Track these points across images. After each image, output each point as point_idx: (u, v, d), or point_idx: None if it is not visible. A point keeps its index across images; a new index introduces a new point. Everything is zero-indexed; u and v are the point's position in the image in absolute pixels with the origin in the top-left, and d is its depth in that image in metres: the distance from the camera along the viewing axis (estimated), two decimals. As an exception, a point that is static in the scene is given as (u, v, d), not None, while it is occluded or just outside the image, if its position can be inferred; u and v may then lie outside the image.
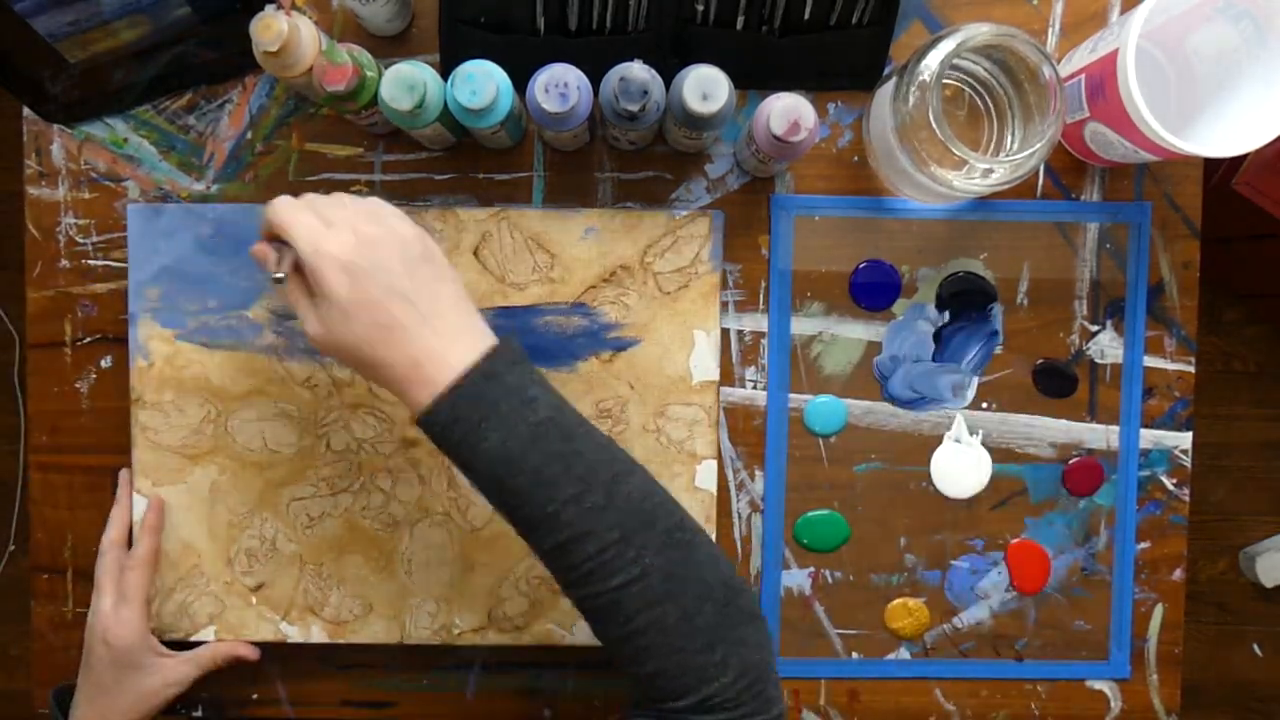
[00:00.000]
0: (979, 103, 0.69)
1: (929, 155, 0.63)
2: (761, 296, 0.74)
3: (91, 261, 0.73)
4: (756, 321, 0.74)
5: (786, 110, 0.62)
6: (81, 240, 0.73)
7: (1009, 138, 0.68)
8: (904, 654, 0.75)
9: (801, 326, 0.74)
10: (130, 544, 0.71)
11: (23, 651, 1.58)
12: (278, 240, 0.58)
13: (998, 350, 0.74)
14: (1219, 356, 1.62)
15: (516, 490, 0.53)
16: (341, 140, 0.73)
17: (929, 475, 0.75)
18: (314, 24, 0.62)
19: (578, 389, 0.72)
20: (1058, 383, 0.75)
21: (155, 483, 0.71)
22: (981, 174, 0.63)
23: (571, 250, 0.71)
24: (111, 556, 0.70)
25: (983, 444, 0.75)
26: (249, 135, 0.73)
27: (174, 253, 0.71)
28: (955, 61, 0.63)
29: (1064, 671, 0.76)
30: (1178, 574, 0.76)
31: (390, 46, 0.72)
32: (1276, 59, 0.62)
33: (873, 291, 0.74)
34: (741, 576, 0.55)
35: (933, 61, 0.62)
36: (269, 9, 0.59)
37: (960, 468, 0.75)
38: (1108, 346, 0.75)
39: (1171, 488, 0.76)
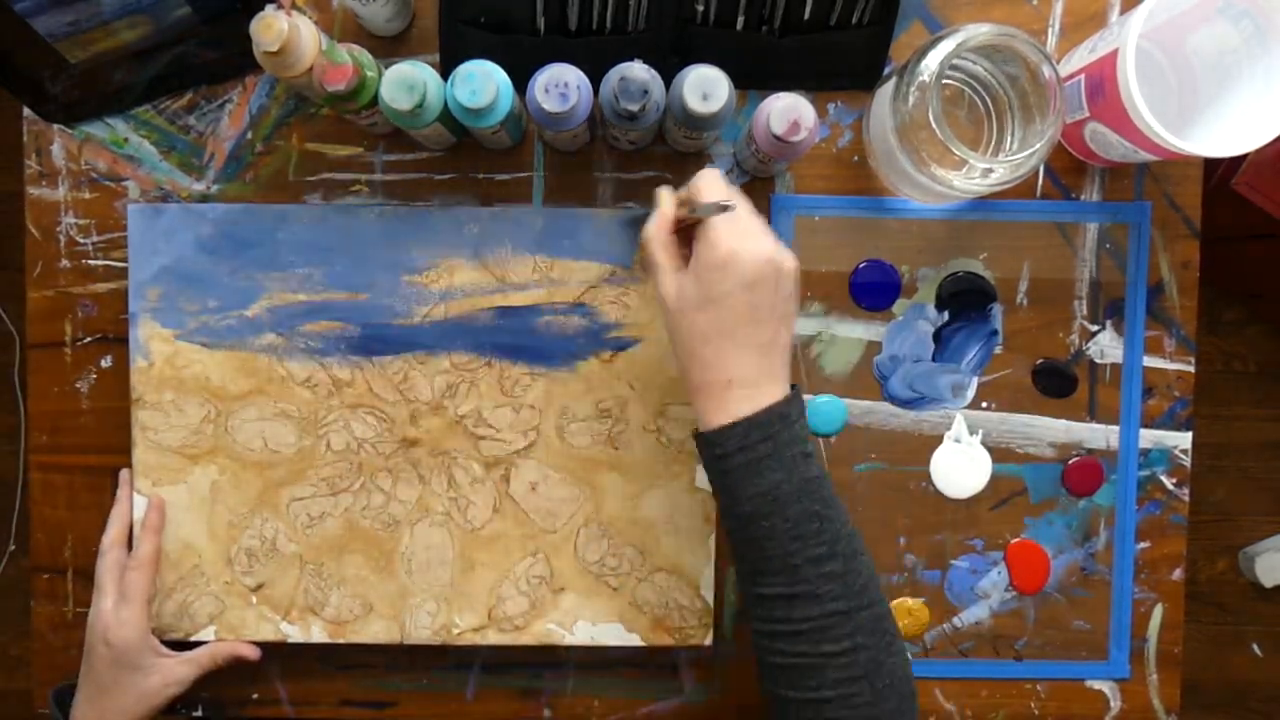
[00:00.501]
0: (979, 103, 0.69)
1: (929, 155, 0.63)
2: (761, 296, 0.74)
3: (91, 261, 0.73)
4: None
5: (786, 110, 0.62)
6: (81, 240, 0.73)
7: (1009, 138, 0.68)
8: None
9: (801, 326, 0.74)
10: (130, 544, 0.71)
11: (23, 651, 1.58)
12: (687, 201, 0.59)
13: (997, 350, 0.74)
14: (1219, 356, 1.62)
15: (770, 532, 0.55)
16: (341, 140, 0.73)
17: (929, 475, 0.75)
18: (314, 24, 0.61)
19: (578, 389, 0.72)
20: (1057, 383, 0.75)
21: (155, 483, 0.71)
22: (981, 174, 0.63)
23: (572, 250, 0.71)
24: (112, 556, 0.70)
25: (983, 444, 0.75)
26: (249, 135, 0.73)
27: (174, 253, 0.71)
28: (955, 61, 0.63)
29: (1064, 671, 0.76)
30: (1177, 574, 0.76)
31: (390, 46, 0.72)
32: (1276, 59, 0.62)
33: (873, 291, 0.74)
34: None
35: (933, 61, 0.62)
36: (269, 9, 0.59)
37: (960, 468, 0.75)
38: (1107, 346, 0.75)
39: (1171, 488, 0.76)
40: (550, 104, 0.61)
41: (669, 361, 0.72)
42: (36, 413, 0.74)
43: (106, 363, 0.74)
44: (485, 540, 0.72)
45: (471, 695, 0.75)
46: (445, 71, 0.66)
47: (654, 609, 0.72)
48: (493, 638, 0.72)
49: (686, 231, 0.59)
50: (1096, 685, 0.76)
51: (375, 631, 0.72)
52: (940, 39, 0.62)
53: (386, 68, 0.62)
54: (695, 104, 0.61)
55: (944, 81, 0.65)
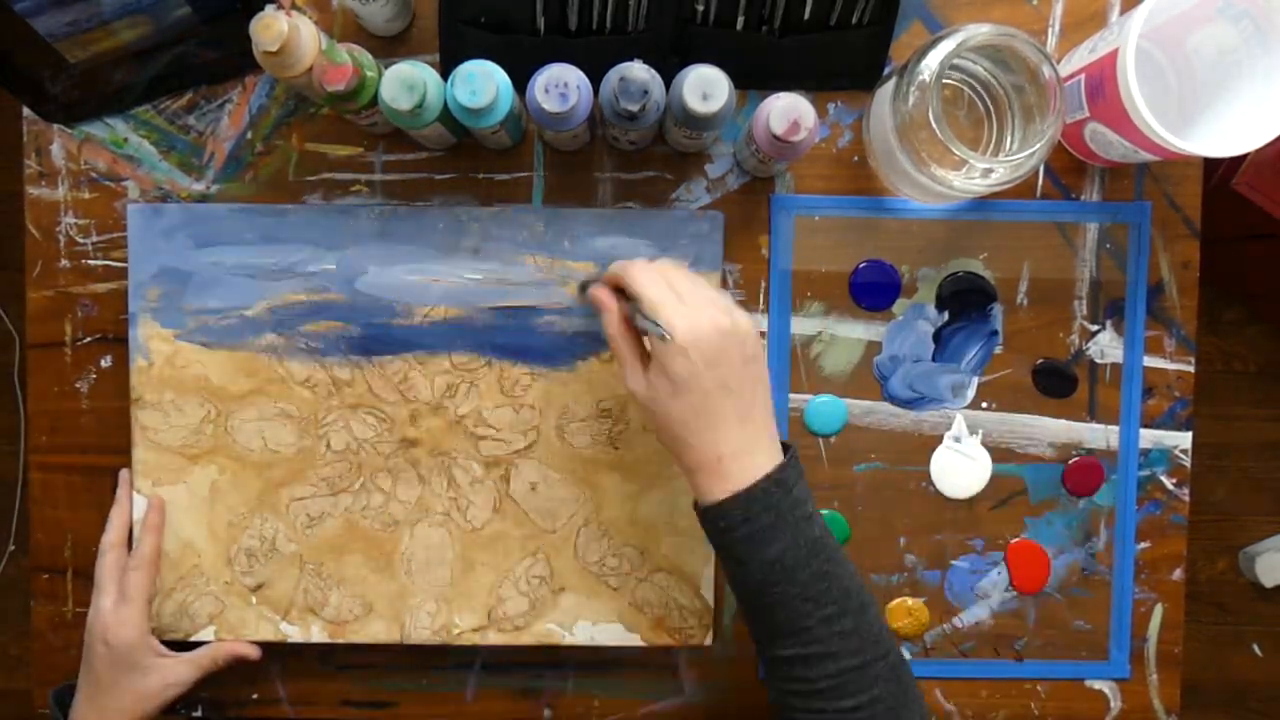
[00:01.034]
0: (979, 103, 0.69)
1: (929, 155, 0.63)
2: (761, 296, 0.74)
3: (91, 261, 0.73)
4: (756, 321, 0.74)
5: (786, 110, 0.62)
6: (81, 240, 0.73)
7: (1009, 138, 0.68)
8: (904, 654, 0.75)
9: (801, 326, 0.74)
10: (130, 544, 0.71)
11: (23, 651, 1.58)
12: (618, 291, 0.61)
13: (998, 350, 0.74)
14: (1219, 356, 1.62)
15: (781, 598, 0.56)
16: (341, 140, 0.73)
17: (929, 475, 0.75)
18: (314, 24, 0.61)
19: (578, 389, 0.72)
20: (1058, 383, 0.75)
21: (155, 483, 0.71)
22: (981, 174, 0.63)
23: (571, 251, 0.71)
24: (112, 557, 0.70)
25: (983, 444, 0.75)
26: (249, 135, 0.73)
27: (174, 252, 0.71)
28: (955, 61, 0.63)
29: (1064, 671, 0.76)
30: (1177, 574, 0.76)
31: (390, 46, 0.72)
32: (1276, 59, 0.62)
33: (873, 291, 0.74)
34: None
35: (933, 61, 0.62)
36: (269, 9, 0.59)
37: (960, 468, 0.75)
38: (1107, 346, 0.75)
39: (1171, 488, 0.76)
40: (550, 104, 0.61)
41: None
42: (36, 413, 0.74)
43: (106, 363, 0.74)
44: (485, 540, 0.72)
45: (471, 695, 0.75)
46: (445, 71, 0.66)
47: (654, 609, 0.72)
48: (493, 638, 0.72)
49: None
50: (1096, 685, 0.76)
51: (375, 631, 0.72)
52: (940, 39, 0.62)
53: (386, 68, 0.62)
54: (695, 104, 0.61)
55: (944, 81, 0.65)
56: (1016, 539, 0.75)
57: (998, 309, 0.74)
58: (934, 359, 0.74)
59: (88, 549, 0.74)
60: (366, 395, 0.72)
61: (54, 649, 0.75)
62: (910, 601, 0.75)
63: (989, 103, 0.69)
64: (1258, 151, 0.96)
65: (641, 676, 0.75)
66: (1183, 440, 0.76)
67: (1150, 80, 0.69)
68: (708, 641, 0.72)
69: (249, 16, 0.59)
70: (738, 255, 0.74)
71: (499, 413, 0.72)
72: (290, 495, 0.72)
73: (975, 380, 0.75)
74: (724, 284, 0.73)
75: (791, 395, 0.74)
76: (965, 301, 0.74)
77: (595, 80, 0.63)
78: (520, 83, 0.63)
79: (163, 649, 0.70)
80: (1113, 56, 0.61)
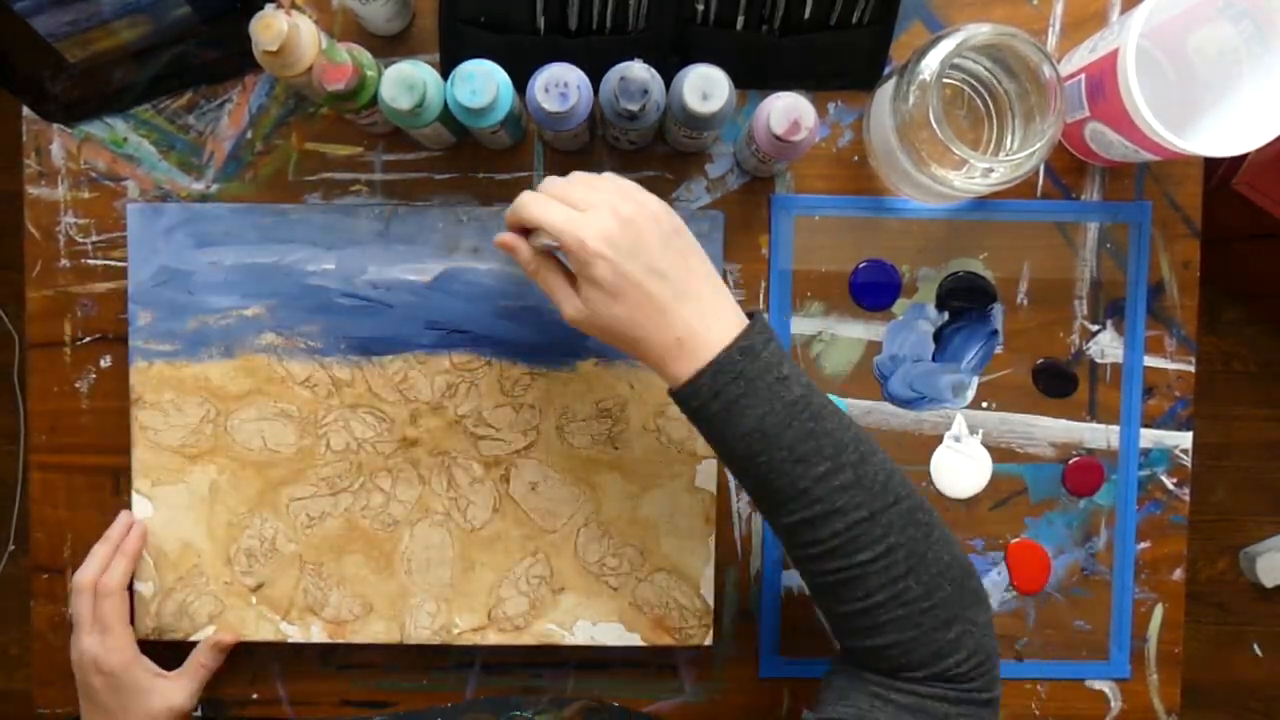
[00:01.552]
0: (979, 103, 0.69)
1: (929, 155, 0.63)
2: (761, 296, 0.74)
3: (91, 261, 0.73)
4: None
5: (786, 110, 0.62)
6: (81, 240, 0.73)
7: (1009, 138, 0.68)
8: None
9: (801, 326, 0.74)
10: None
11: (23, 651, 1.58)
12: (523, 230, 0.59)
13: (998, 350, 0.74)
14: (1219, 356, 1.62)
15: (769, 465, 0.54)
16: (341, 140, 0.73)
17: (929, 475, 0.75)
18: (314, 24, 0.61)
19: (578, 389, 0.72)
20: (1058, 383, 0.75)
21: (155, 483, 0.71)
22: (981, 174, 0.63)
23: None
24: (88, 595, 0.69)
25: (983, 444, 0.75)
26: (249, 135, 0.73)
27: (174, 252, 0.71)
28: (955, 61, 0.63)
29: (1064, 671, 0.76)
30: (1178, 574, 0.76)
31: (390, 46, 0.72)
32: (1276, 59, 0.62)
33: (873, 291, 0.74)
34: (970, 557, 0.58)
35: (933, 61, 0.62)
36: (269, 8, 0.59)
37: (960, 467, 0.75)
38: (1108, 346, 0.75)
39: (1171, 488, 0.76)
40: (550, 104, 0.61)
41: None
42: (36, 413, 0.74)
43: (106, 363, 0.74)
44: (485, 540, 0.72)
45: (471, 695, 0.75)
46: (445, 71, 0.66)
47: (654, 609, 0.72)
48: (493, 638, 0.72)
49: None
50: (1097, 685, 0.76)
51: (375, 631, 0.72)
52: (940, 39, 0.62)
53: (386, 68, 0.62)
54: (695, 104, 0.61)
55: (944, 81, 0.65)
56: (1016, 539, 0.75)
57: (998, 309, 0.74)
58: (934, 359, 0.74)
59: (88, 549, 0.74)
60: (366, 395, 0.72)
61: (54, 649, 0.75)
62: (910, 601, 0.75)
63: (989, 103, 0.69)
64: (1258, 151, 0.96)
65: (641, 676, 0.75)
66: (1183, 440, 0.76)
67: (1150, 80, 0.69)
68: (708, 641, 0.72)
69: (249, 16, 0.59)
70: (738, 255, 0.74)
71: (499, 412, 0.72)
72: (290, 495, 0.72)
73: (975, 380, 0.75)
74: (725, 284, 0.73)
75: (791, 395, 0.74)
76: (965, 301, 0.74)
77: (595, 80, 0.63)
78: (520, 83, 0.63)
79: (156, 668, 0.70)
80: (1113, 56, 0.61)
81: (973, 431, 0.75)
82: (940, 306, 0.74)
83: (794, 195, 0.74)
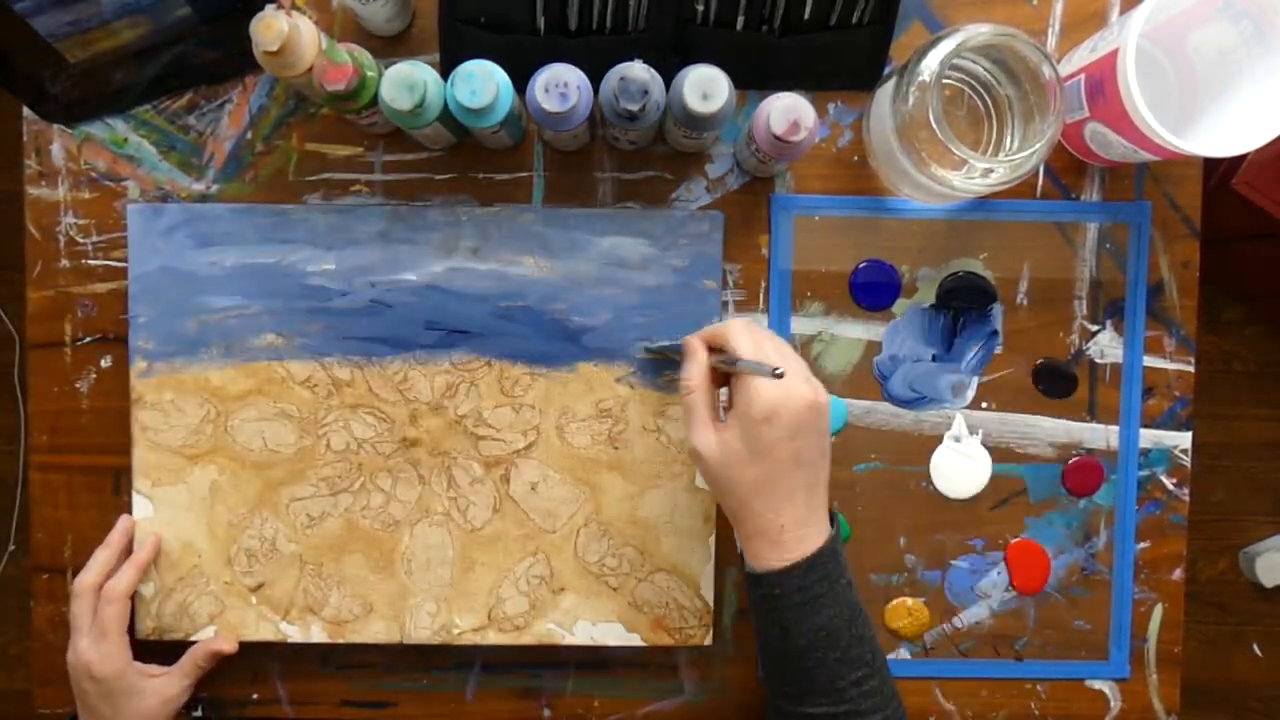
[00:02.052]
0: (979, 103, 0.69)
1: (929, 155, 0.63)
2: (761, 296, 0.74)
3: (91, 261, 0.73)
4: (757, 321, 0.74)
5: (786, 110, 0.62)
6: (81, 240, 0.73)
7: (1009, 138, 0.68)
8: (904, 654, 0.75)
9: (801, 326, 0.74)
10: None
11: (23, 651, 1.58)
12: (713, 349, 0.62)
13: (997, 350, 0.74)
14: (1219, 356, 1.62)
15: (819, 661, 0.58)
16: (341, 140, 0.73)
17: (929, 475, 0.75)
18: (314, 24, 0.61)
19: (578, 389, 0.72)
20: (1057, 383, 0.75)
21: (155, 483, 0.71)
22: (981, 174, 0.63)
23: (571, 250, 0.71)
24: (88, 599, 0.68)
25: (983, 444, 0.75)
26: (249, 135, 0.73)
27: (174, 253, 0.71)
28: (955, 61, 0.63)
29: (1064, 671, 0.76)
30: (1177, 574, 0.76)
31: (390, 46, 0.72)
32: (1276, 59, 0.62)
33: (873, 291, 0.74)
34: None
35: (933, 61, 0.62)
36: (269, 9, 0.59)
37: (960, 468, 0.75)
38: (1107, 346, 0.75)
39: (1171, 488, 0.76)
40: (550, 104, 0.61)
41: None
42: (36, 413, 0.74)
43: (106, 363, 0.74)
44: (485, 540, 0.72)
45: (471, 695, 0.75)
46: (445, 71, 0.66)
47: (654, 609, 0.72)
48: (493, 638, 0.72)
49: (714, 375, 0.61)
50: (1096, 685, 0.76)
51: (375, 631, 0.72)
52: (940, 39, 0.62)
53: (386, 68, 0.62)
54: (695, 104, 0.61)
55: (944, 81, 0.65)
56: (1016, 539, 0.75)
57: (998, 309, 0.74)
58: (934, 359, 0.74)
59: (88, 549, 0.74)
60: (366, 395, 0.72)
61: (54, 649, 0.75)
62: (910, 601, 0.75)
63: (989, 103, 0.69)
64: (1258, 151, 0.96)
65: (641, 676, 0.75)
66: (1183, 440, 0.75)
67: (1150, 80, 0.68)
68: (708, 641, 0.72)
69: (249, 16, 0.59)
70: (738, 255, 0.74)
71: (499, 413, 0.72)
72: (290, 495, 0.72)
73: (975, 380, 0.75)
74: (724, 284, 0.73)
75: (791, 395, 0.74)
76: (965, 301, 0.74)
77: (595, 80, 0.63)
78: (520, 83, 0.63)
79: (149, 668, 0.70)
80: (1113, 56, 0.61)
81: (973, 431, 0.75)
82: (940, 306, 0.74)
83: (794, 195, 0.74)
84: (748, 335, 0.59)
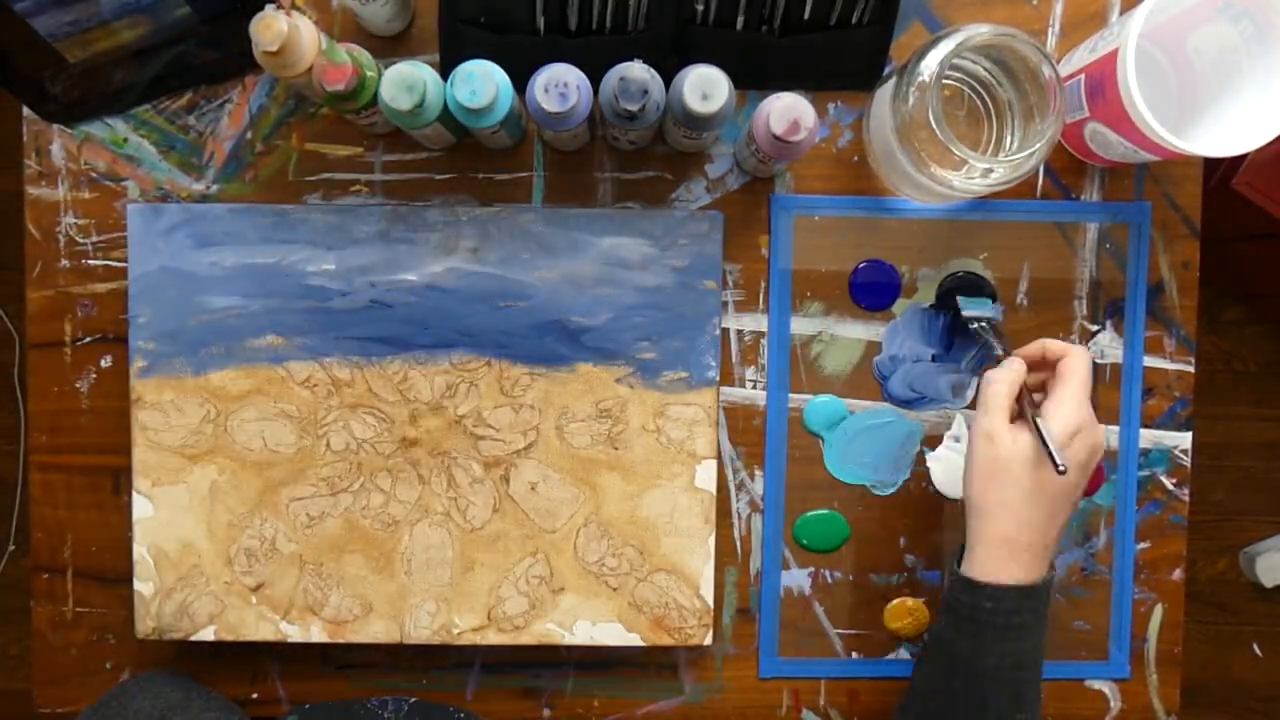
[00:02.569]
0: (979, 103, 0.69)
1: (929, 155, 0.63)
2: (761, 296, 0.74)
3: (91, 261, 0.73)
4: (756, 321, 0.74)
5: (786, 110, 0.62)
6: (81, 240, 0.73)
7: (1009, 138, 0.68)
8: (904, 654, 0.75)
9: (801, 326, 0.74)
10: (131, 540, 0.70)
11: (23, 651, 1.58)
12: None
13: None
14: (1219, 356, 1.61)
15: (998, 689, 0.59)
16: (341, 140, 0.73)
17: (929, 475, 0.75)
18: (314, 24, 0.61)
19: (577, 389, 0.72)
20: (1058, 383, 0.74)
21: (155, 483, 0.71)
22: (981, 174, 0.63)
23: (571, 250, 0.71)
24: None
25: (983, 444, 0.75)
26: (249, 135, 0.73)
27: (174, 253, 0.71)
28: (955, 61, 0.63)
29: (1064, 671, 0.76)
30: (1177, 574, 0.76)
31: (390, 46, 0.72)
32: (1276, 59, 0.62)
33: (873, 291, 0.74)
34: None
35: (933, 61, 0.62)
36: (269, 9, 0.59)
37: (960, 468, 0.74)
38: (1107, 346, 0.75)
39: (1171, 488, 0.76)
40: (550, 104, 0.61)
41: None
42: (36, 413, 0.74)
43: (106, 363, 0.74)
44: (485, 540, 0.72)
45: (471, 695, 0.75)
46: (445, 71, 0.66)
47: (654, 609, 0.72)
48: (493, 638, 0.72)
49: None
50: (1096, 685, 0.76)
51: (375, 631, 0.72)
52: (940, 39, 0.62)
53: (386, 68, 0.62)
54: (695, 104, 0.61)
55: (944, 81, 0.65)
56: (1016, 539, 0.75)
57: (998, 309, 0.74)
58: (934, 359, 0.74)
59: (88, 549, 0.74)
60: (366, 395, 0.72)
61: (54, 649, 0.75)
62: (910, 601, 0.75)
63: (989, 103, 0.69)
64: (1258, 151, 0.96)
65: (641, 676, 0.75)
66: (1183, 440, 0.75)
67: (1150, 80, 0.68)
68: (708, 641, 0.72)
69: (249, 16, 0.59)
70: (738, 255, 0.74)
71: (499, 413, 0.72)
72: (290, 495, 0.72)
73: (975, 380, 0.75)
74: (724, 284, 0.73)
75: (791, 395, 0.74)
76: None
77: (595, 80, 0.63)
78: (520, 83, 0.63)
79: None
80: (1113, 56, 0.61)
81: (973, 431, 0.75)
82: (940, 306, 0.74)
83: (794, 195, 0.74)
84: (1086, 372, 0.61)
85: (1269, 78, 0.63)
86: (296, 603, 0.72)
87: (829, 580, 0.75)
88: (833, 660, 0.75)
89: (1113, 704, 0.76)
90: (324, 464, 0.72)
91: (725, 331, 0.74)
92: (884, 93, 0.67)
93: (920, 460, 0.75)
